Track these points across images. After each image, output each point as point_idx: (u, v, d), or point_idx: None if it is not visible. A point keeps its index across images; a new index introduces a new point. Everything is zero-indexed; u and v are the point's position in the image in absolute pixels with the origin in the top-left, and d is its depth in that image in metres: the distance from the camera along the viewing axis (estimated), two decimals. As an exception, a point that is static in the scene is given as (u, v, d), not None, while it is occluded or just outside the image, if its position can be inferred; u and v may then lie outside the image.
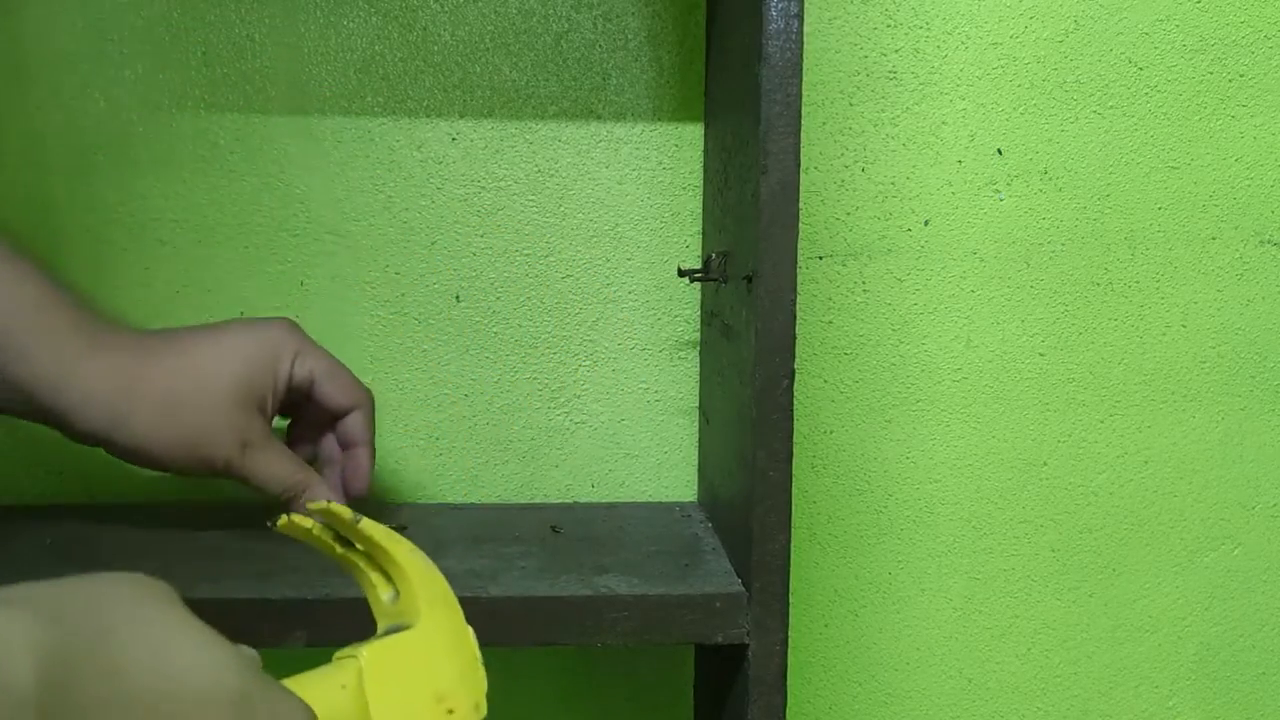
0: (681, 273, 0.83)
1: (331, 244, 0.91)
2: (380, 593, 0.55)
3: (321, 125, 0.91)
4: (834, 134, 0.94)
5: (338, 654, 0.52)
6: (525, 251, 0.93)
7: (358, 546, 0.55)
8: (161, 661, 0.41)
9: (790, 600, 0.68)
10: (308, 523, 0.53)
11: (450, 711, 0.53)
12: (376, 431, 0.81)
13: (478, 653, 0.56)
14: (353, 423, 0.79)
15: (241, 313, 0.91)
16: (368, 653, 0.51)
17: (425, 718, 0.52)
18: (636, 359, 0.93)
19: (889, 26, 0.94)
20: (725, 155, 0.81)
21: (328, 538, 0.54)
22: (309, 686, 0.49)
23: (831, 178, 0.94)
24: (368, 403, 0.79)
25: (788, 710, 0.68)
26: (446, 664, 0.54)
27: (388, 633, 0.54)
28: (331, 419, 0.80)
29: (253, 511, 0.88)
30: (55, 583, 0.41)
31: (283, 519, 0.53)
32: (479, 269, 0.93)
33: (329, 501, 0.53)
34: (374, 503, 0.92)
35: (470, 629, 0.56)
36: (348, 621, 0.65)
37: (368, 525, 0.53)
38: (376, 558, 0.55)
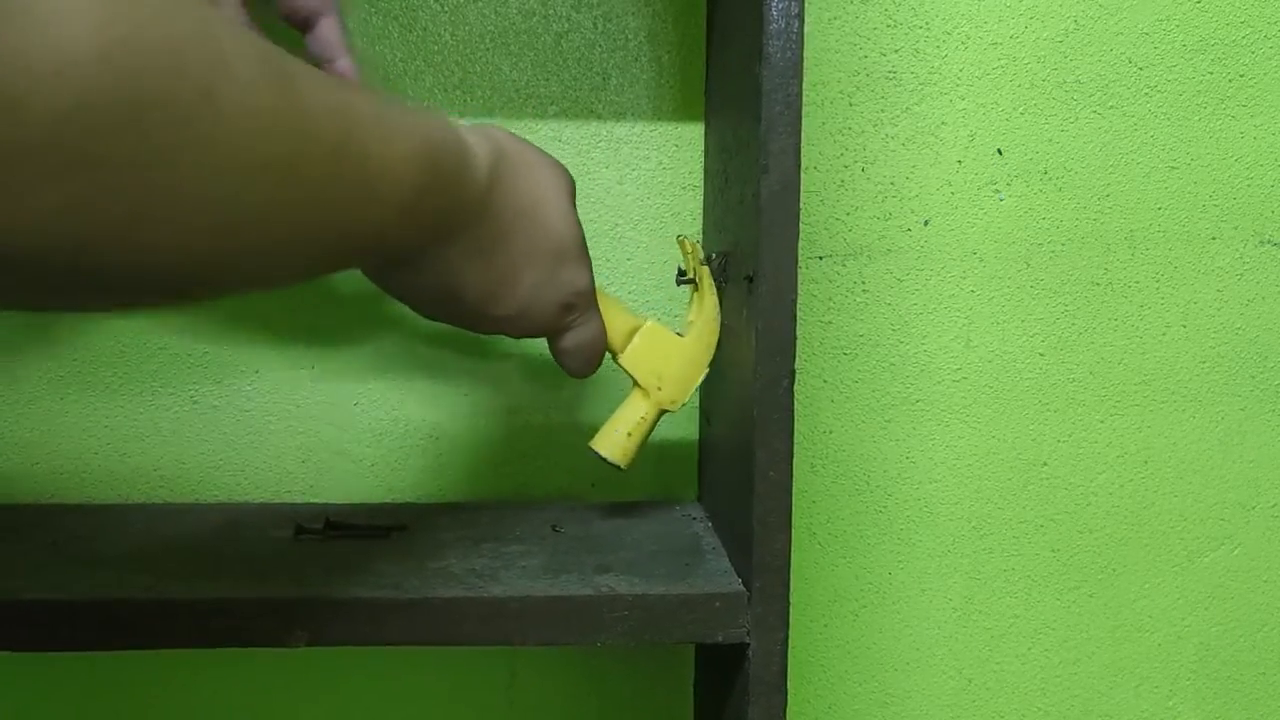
0: (680, 281, 0.83)
1: (332, 244, 0.91)
2: (690, 310, 0.81)
3: (322, 125, 0.90)
4: (834, 134, 0.94)
5: (633, 313, 0.78)
6: (525, 251, 0.93)
7: (697, 277, 0.81)
8: (556, 205, 0.66)
9: (790, 600, 0.68)
10: (688, 246, 0.81)
11: (659, 388, 0.78)
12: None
13: (700, 379, 0.79)
14: (325, 31, 0.76)
15: (241, 315, 0.91)
16: (650, 325, 0.78)
17: (645, 378, 0.78)
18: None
19: (889, 26, 0.94)
20: (725, 155, 0.81)
21: (690, 261, 0.81)
22: (608, 301, 0.76)
23: (831, 178, 0.94)
24: (334, 7, 0.76)
25: (788, 710, 0.68)
26: (677, 365, 0.78)
27: (674, 330, 0.79)
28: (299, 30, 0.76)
29: (253, 511, 0.88)
30: (514, 139, 0.65)
31: (682, 237, 0.82)
32: (479, 269, 0.93)
33: (696, 244, 0.80)
34: (374, 503, 0.92)
35: (708, 369, 0.79)
36: (348, 621, 0.66)
37: (706, 276, 0.79)
38: (699, 290, 0.80)
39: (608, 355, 0.76)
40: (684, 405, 0.79)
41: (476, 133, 0.62)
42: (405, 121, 0.51)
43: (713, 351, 0.80)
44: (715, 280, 0.80)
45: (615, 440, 0.78)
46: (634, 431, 0.78)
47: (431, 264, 0.61)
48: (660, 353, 0.78)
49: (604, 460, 0.78)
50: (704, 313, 0.79)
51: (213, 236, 0.39)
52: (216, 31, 0.36)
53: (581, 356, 0.73)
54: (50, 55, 0.30)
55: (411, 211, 0.53)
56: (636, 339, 0.77)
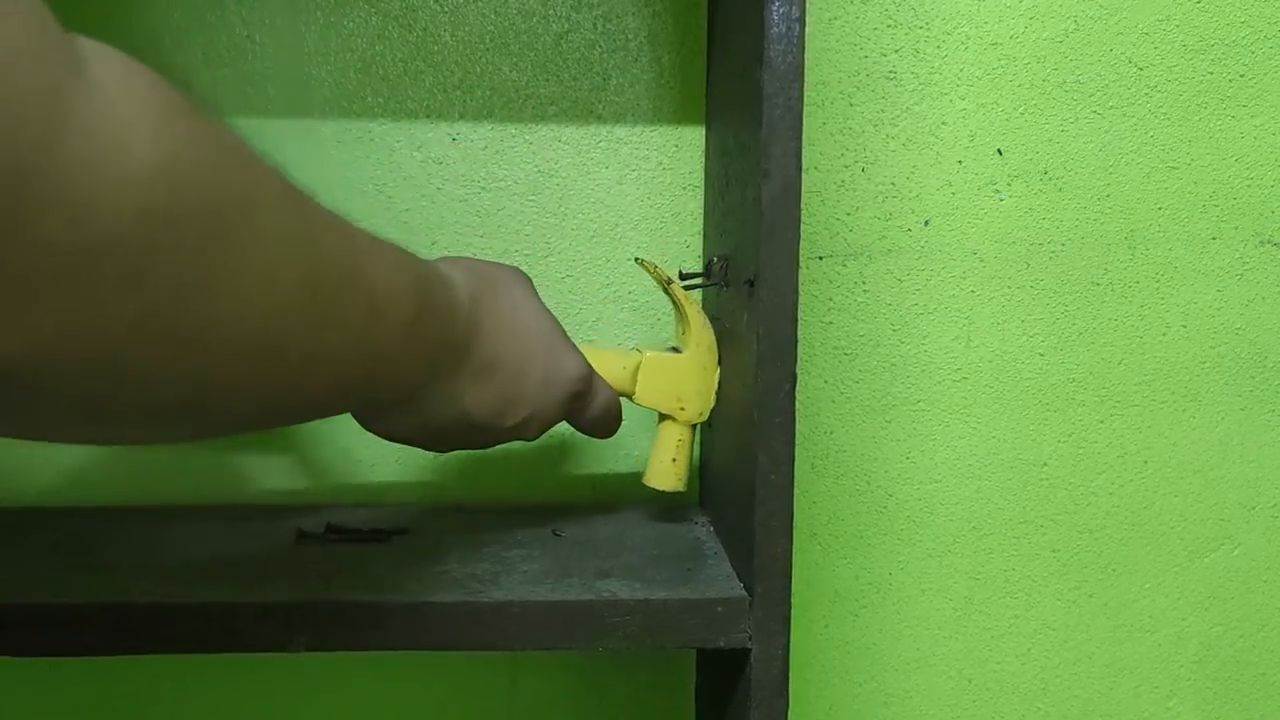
0: (682, 275, 0.83)
1: (331, 245, 0.91)
2: (678, 327, 0.82)
3: (321, 125, 0.90)
4: (834, 134, 0.94)
5: (627, 348, 0.80)
6: (525, 251, 0.93)
7: (669, 295, 0.81)
8: (530, 307, 0.69)
9: (791, 603, 0.68)
10: (650, 266, 0.80)
11: (682, 409, 0.80)
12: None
13: (715, 384, 0.80)
14: None
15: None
16: (650, 354, 0.79)
17: (666, 405, 0.80)
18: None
19: (889, 27, 0.93)
20: (726, 158, 0.81)
21: (659, 280, 0.80)
22: (600, 355, 0.77)
23: (832, 178, 0.94)
24: None
25: (789, 712, 0.68)
26: (690, 381, 0.79)
27: (670, 350, 0.80)
28: None
29: (253, 515, 0.88)
30: (474, 260, 0.68)
31: (640, 259, 0.81)
32: (479, 270, 0.92)
33: (655, 265, 0.80)
34: (375, 505, 0.92)
35: (717, 370, 0.80)
36: (348, 625, 0.66)
37: (676, 287, 0.80)
38: (676, 307, 0.80)
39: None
40: (711, 410, 0.81)
41: (448, 263, 0.65)
42: (398, 254, 0.54)
43: (715, 352, 0.80)
44: (716, 284, 0.80)
45: (666, 471, 0.81)
46: (678, 456, 0.81)
47: (438, 397, 0.63)
48: (669, 377, 0.79)
49: (664, 492, 0.81)
50: (691, 323, 0.80)
51: (242, 356, 0.40)
52: (251, 154, 0.39)
53: (605, 427, 0.77)
54: (117, 164, 0.31)
55: (413, 333, 0.55)
56: (641, 375, 0.79)
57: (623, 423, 0.78)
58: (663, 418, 0.81)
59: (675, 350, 0.80)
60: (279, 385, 0.45)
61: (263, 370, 0.42)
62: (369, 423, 0.66)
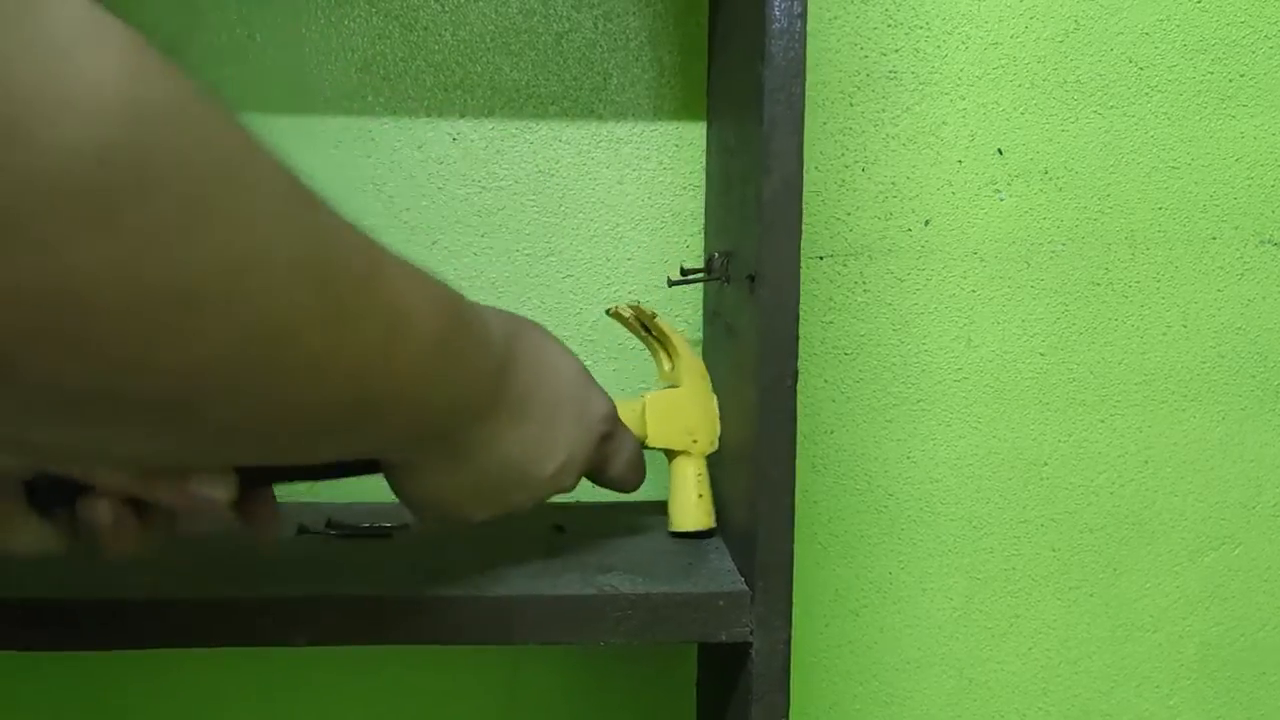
0: (671, 282, 0.83)
1: (332, 244, 0.91)
2: (663, 364, 0.82)
3: (322, 125, 0.91)
4: (834, 134, 0.94)
5: (626, 398, 0.77)
6: (525, 251, 0.93)
7: (653, 333, 0.81)
8: (556, 348, 0.67)
9: (792, 599, 0.68)
10: (627, 312, 0.80)
11: (694, 441, 0.80)
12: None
13: (717, 411, 0.80)
14: None
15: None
16: (649, 397, 0.79)
17: (679, 441, 0.79)
18: (638, 359, 0.93)
19: (889, 26, 0.94)
20: (727, 155, 0.81)
21: (636, 325, 0.80)
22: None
23: (832, 178, 0.94)
24: None
25: (789, 709, 0.68)
26: (696, 412, 0.80)
27: (664, 388, 0.80)
28: None
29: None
30: (499, 309, 0.64)
31: (611, 308, 0.80)
32: (479, 269, 0.93)
33: (637, 304, 0.80)
34: (376, 503, 0.92)
35: (714, 396, 0.80)
36: (349, 620, 0.66)
37: (661, 321, 0.80)
38: (663, 341, 0.81)
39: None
40: (719, 437, 0.80)
41: (479, 305, 0.61)
42: (423, 273, 0.50)
43: (709, 379, 0.81)
44: (717, 279, 0.80)
45: (691, 510, 0.80)
46: (703, 492, 0.80)
47: (476, 440, 0.60)
48: (675, 413, 0.79)
49: (695, 532, 0.80)
50: (682, 355, 0.80)
51: (234, 339, 0.37)
52: (243, 125, 0.36)
53: (634, 474, 0.74)
54: (79, 94, 0.29)
55: (442, 355, 0.52)
56: (649, 416, 0.78)
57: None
58: (672, 457, 0.80)
59: (671, 386, 0.81)
60: (281, 385, 0.41)
61: (260, 360, 0.39)
62: (405, 480, 0.61)
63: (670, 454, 0.80)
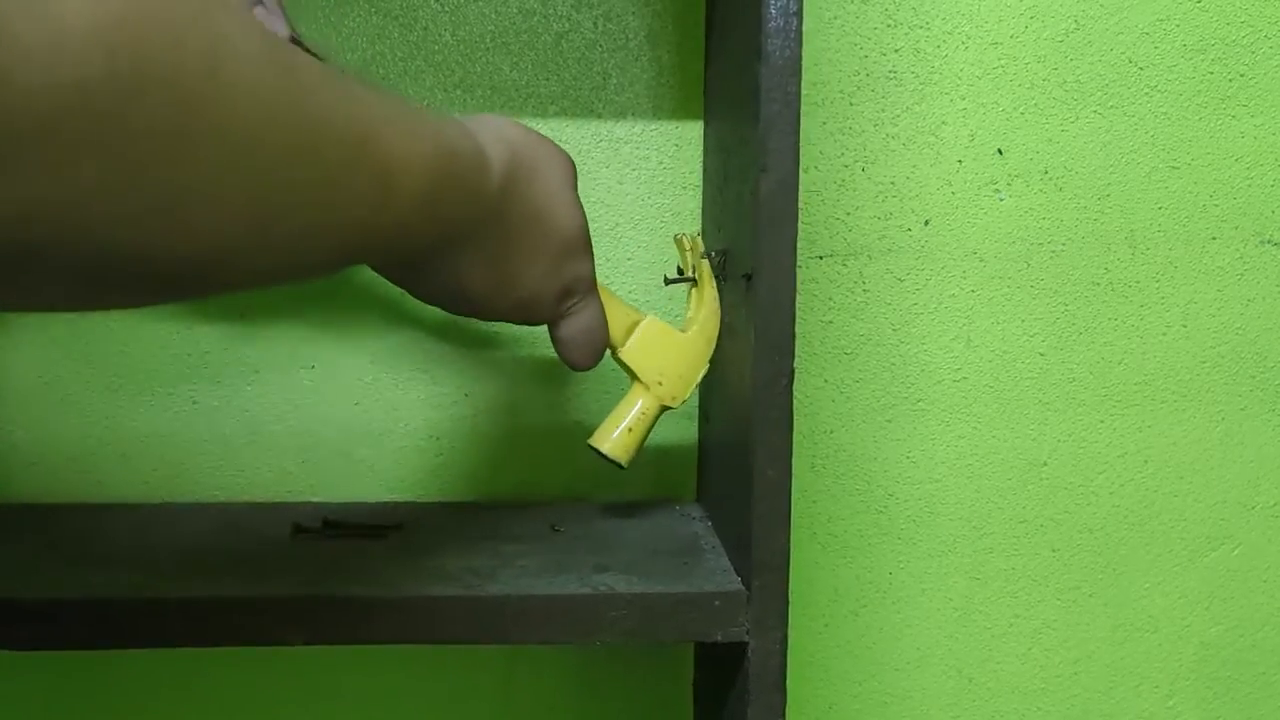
0: (668, 281, 0.83)
1: (331, 243, 0.91)
2: (689, 307, 0.81)
3: (321, 125, 0.90)
4: (834, 134, 0.94)
5: (633, 308, 0.78)
6: (525, 251, 0.93)
7: (698, 273, 0.80)
8: (563, 200, 0.67)
9: (790, 599, 0.68)
10: (688, 243, 0.81)
11: (660, 383, 0.78)
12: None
13: (700, 376, 0.79)
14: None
15: (241, 315, 0.91)
16: (649, 320, 0.78)
17: (645, 372, 0.78)
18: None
19: (889, 26, 0.94)
20: (724, 154, 0.81)
21: (687, 258, 0.82)
22: (609, 298, 0.75)
23: (831, 177, 0.94)
24: None
25: (787, 709, 0.68)
26: (679, 361, 0.78)
27: (670, 324, 0.79)
28: None
29: (252, 511, 0.88)
30: (522, 131, 0.65)
31: (679, 234, 0.82)
32: (479, 268, 0.93)
33: (695, 236, 0.82)
34: (373, 502, 0.92)
35: (709, 365, 0.79)
36: (345, 620, 0.66)
37: (707, 271, 0.79)
38: (700, 286, 0.80)
39: (608, 352, 0.76)
40: (684, 402, 0.79)
41: (492, 134, 0.62)
42: (422, 123, 0.52)
43: (713, 347, 0.80)
44: (715, 276, 0.80)
45: (615, 436, 0.78)
46: (635, 427, 0.78)
47: (439, 265, 0.62)
48: (661, 348, 0.78)
49: (604, 457, 0.78)
50: (705, 307, 0.79)
51: (232, 224, 0.39)
52: (216, 12, 0.36)
53: (582, 344, 0.72)
54: (43, 33, 0.29)
55: (427, 211, 0.54)
56: (637, 333, 0.77)
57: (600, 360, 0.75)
58: (635, 384, 0.79)
59: (681, 331, 0.80)
60: (278, 252, 0.44)
61: (257, 239, 0.41)
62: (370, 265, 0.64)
63: (633, 377, 0.79)
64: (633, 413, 0.78)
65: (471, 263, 0.63)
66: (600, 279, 0.92)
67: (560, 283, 0.68)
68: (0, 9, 0.28)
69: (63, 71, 0.30)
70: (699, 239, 0.80)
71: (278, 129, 0.39)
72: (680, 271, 0.84)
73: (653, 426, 0.79)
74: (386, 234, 0.52)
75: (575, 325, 0.71)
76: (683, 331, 0.79)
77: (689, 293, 0.82)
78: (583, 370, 0.74)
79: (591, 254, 0.71)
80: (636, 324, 0.77)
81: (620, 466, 0.78)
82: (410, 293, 0.67)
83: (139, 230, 0.35)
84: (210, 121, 0.36)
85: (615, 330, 0.76)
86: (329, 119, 0.43)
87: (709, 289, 0.79)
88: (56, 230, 0.33)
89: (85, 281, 0.38)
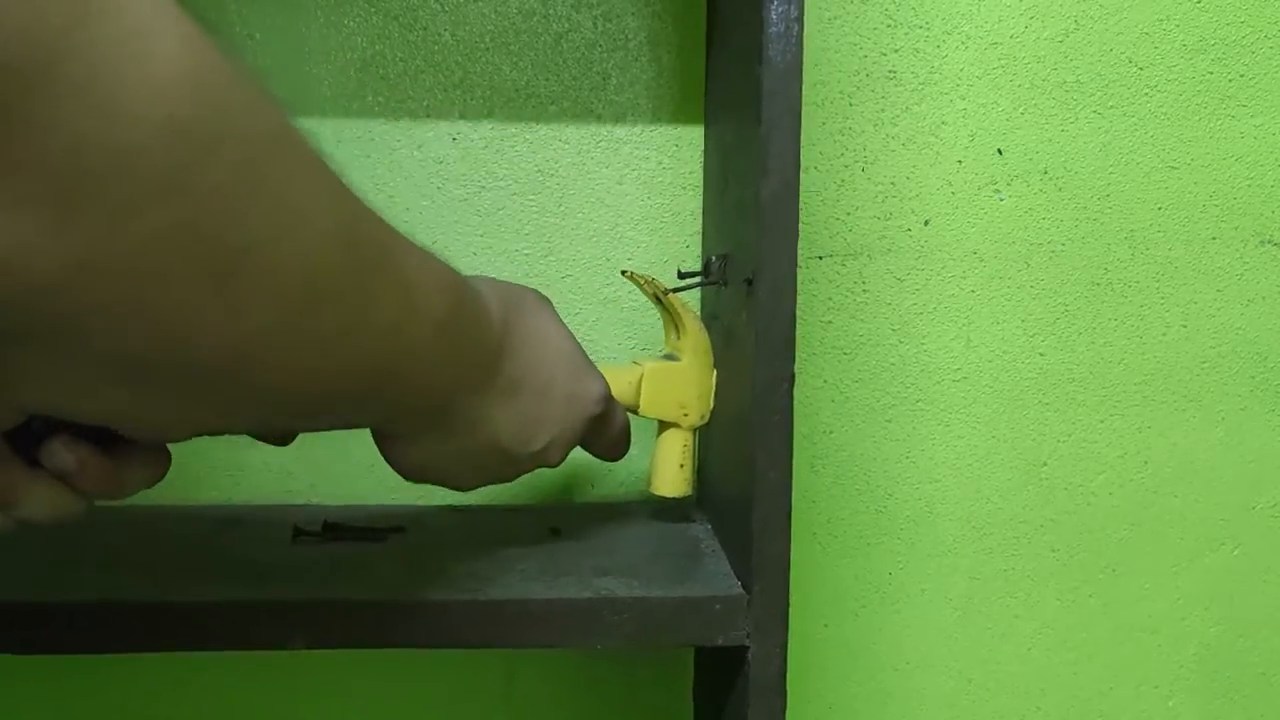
0: (667, 291, 0.83)
1: (331, 244, 0.91)
2: (670, 335, 0.81)
3: (321, 125, 0.90)
4: (834, 134, 0.94)
5: (624, 363, 0.80)
6: (525, 251, 0.93)
7: (664, 304, 0.80)
8: (554, 328, 0.68)
9: (790, 602, 0.68)
10: (641, 279, 0.80)
11: (685, 414, 0.80)
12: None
13: (713, 385, 0.80)
14: None
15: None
16: (649, 366, 0.79)
17: (670, 413, 0.80)
18: (638, 346, 0.93)
19: (889, 26, 0.93)
20: (725, 157, 0.81)
21: (649, 292, 0.80)
22: (610, 371, 0.74)
23: (831, 178, 0.94)
24: None
25: (787, 711, 0.68)
26: (692, 387, 0.80)
27: (664, 359, 0.80)
28: None
29: (251, 513, 0.88)
30: (496, 280, 0.65)
31: (627, 271, 0.81)
32: (479, 269, 0.92)
33: (653, 279, 0.80)
34: (373, 505, 0.92)
35: (714, 370, 0.80)
36: (345, 623, 0.66)
37: (672, 297, 0.79)
38: (672, 314, 0.80)
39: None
40: (713, 410, 0.81)
41: (473, 278, 0.62)
42: (428, 252, 0.53)
43: (711, 355, 0.80)
44: (715, 283, 0.80)
45: (674, 478, 0.81)
46: (685, 462, 0.81)
47: (466, 416, 0.61)
48: (671, 385, 0.80)
49: (672, 499, 0.82)
50: (688, 329, 0.80)
51: (277, 303, 0.39)
52: (280, 103, 0.38)
53: (620, 449, 0.77)
54: (143, 63, 0.31)
55: (445, 335, 0.54)
56: (644, 387, 0.79)
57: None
58: (663, 425, 0.81)
59: (672, 358, 0.80)
60: (309, 354, 0.44)
61: (296, 325, 0.41)
62: (394, 447, 0.62)
63: (661, 424, 0.81)
64: (678, 450, 0.81)
65: (496, 407, 0.62)
66: (600, 280, 0.93)
67: (586, 411, 0.69)
68: (113, 31, 0.30)
69: (153, 110, 0.31)
70: (655, 279, 0.80)
71: (324, 210, 0.41)
72: (680, 274, 0.84)
73: (697, 447, 0.82)
74: (408, 358, 0.52)
75: (608, 440, 0.75)
76: (673, 358, 0.81)
77: (664, 322, 0.82)
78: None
79: (596, 368, 0.71)
80: (640, 379, 0.79)
81: (690, 498, 0.83)
82: (446, 478, 0.66)
83: (188, 297, 0.36)
84: (273, 187, 0.37)
85: (626, 395, 0.78)
86: (363, 215, 0.45)
87: (683, 312, 0.80)
88: (107, 291, 0.33)
89: (125, 372, 0.38)
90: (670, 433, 0.81)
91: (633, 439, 0.78)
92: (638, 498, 0.94)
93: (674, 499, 0.82)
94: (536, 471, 0.93)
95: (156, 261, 0.34)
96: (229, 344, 0.39)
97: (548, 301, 0.70)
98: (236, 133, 0.35)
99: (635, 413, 0.79)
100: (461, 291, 0.56)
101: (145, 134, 0.31)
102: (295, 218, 0.39)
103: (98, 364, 0.37)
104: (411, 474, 0.64)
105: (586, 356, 0.71)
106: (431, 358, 0.54)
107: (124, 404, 0.42)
